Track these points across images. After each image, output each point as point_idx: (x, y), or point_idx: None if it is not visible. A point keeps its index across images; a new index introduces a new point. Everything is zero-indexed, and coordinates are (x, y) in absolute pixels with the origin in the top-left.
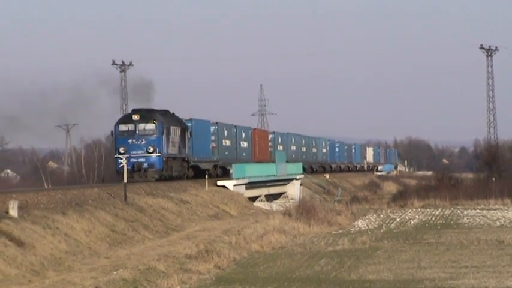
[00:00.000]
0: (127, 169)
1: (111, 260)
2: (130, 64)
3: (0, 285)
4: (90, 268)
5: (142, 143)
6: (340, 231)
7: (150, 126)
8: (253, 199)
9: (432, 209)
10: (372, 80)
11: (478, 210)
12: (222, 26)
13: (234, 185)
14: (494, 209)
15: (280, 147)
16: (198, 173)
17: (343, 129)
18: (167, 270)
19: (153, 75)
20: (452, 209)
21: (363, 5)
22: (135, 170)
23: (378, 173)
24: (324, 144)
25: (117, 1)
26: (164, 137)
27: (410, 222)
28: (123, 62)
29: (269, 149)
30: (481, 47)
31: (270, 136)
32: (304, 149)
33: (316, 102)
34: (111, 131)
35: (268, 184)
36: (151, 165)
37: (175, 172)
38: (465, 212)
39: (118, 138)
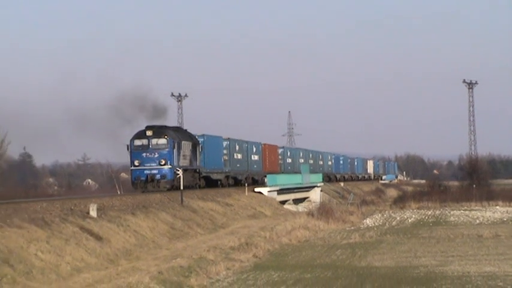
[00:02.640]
0: (141, 180)
1: (171, 251)
2: (186, 96)
3: (83, 271)
4: (154, 257)
5: (155, 156)
6: (352, 227)
7: (162, 141)
8: (283, 202)
9: (425, 210)
10: (379, 108)
11: (461, 211)
12: (257, 60)
13: (268, 191)
14: (475, 210)
15: (289, 160)
16: (210, 183)
17: (355, 145)
18: (215, 259)
19: (200, 101)
20: (441, 210)
21: (363, 44)
22: (149, 181)
23: (382, 181)
24: (329, 157)
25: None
26: (175, 150)
27: (408, 221)
28: (179, 94)
29: (279, 161)
30: (464, 81)
31: (280, 150)
32: (311, 161)
33: (334, 125)
34: (127, 146)
35: (295, 190)
36: (163, 177)
37: (186, 182)
38: (452, 212)
39: (133, 152)
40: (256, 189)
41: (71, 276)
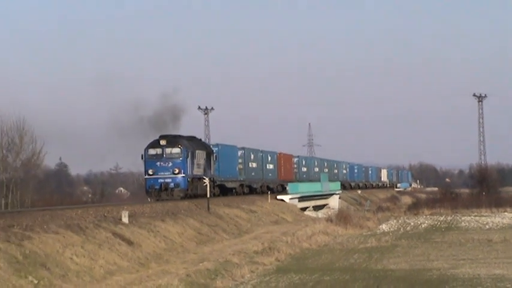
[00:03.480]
0: (155, 188)
1: (198, 255)
2: (212, 109)
3: (116, 274)
4: (182, 261)
5: (169, 165)
6: (369, 232)
7: (176, 150)
8: (303, 209)
9: (438, 216)
10: (395, 121)
11: (472, 217)
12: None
13: (290, 199)
14: (485, 216)
15: (304, 169)
16: (225, 191)
17: (372, 156)
18: (240, 262)
19: (226, 114)
20: (453, 216)
21: (377, 60)
22: (163, 189)
23: (397, 189)
24: (344, 166)
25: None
26: (189, 159)
27: (422, 226)
28: (206, 107)
29: (294, 170)
30: (474, 95)
31: (295, 159)
32: (326, 170)
33: (354, 137)
34: (142, 155)
35: (315, 198)
36: (176, 185)
37: (200, 191)
38: (462, 218)
39: (147, 161)
40: (279, 197)
41: (104, 278)
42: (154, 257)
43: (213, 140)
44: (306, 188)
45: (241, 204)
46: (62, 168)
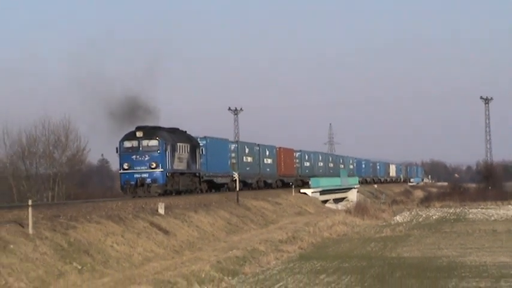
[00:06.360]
0: (130, 184)
1: (228, 243)
2: (241, 110)
3: (152, 260)
4: (213, 249)
5: (146, 159)
6: (384, 223)
7: (153, 142)
8: (324, 202)
9: (447, 208)
10: (409, 122)
11: (479, 209)
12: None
13: (312, 192)
14: (490, 208)
15: (307, 164)
16: (215, 187)
17: (388, 153)
18: (266, 250)
19: (253, 115)
20: (461, 208)
21: (391, 63)
22: (139, 185)
23: (410, 184)
24: (351, 161)
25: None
26: (168, 153)
27: (432, 218)
28: (236, 108)
29: (295, 165)
30: (481, 98)
31: (297, 154)
32: (331, 165)
33: (373, 136)
34: (116, 148)
35: (335, 191)
36: (154, 181)
37: (183, 186)
38: (470, 210)
39: (122, 155)
40: (302, 191)
41: (142, 264)
42: (188, 245)
43: (242, 139)
44: (327, 182)
45: (268, 197)
46: (103, 164)
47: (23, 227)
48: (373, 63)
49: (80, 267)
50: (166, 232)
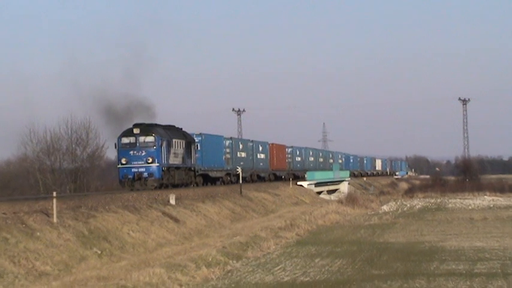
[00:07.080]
0: (128, 178)
1: (232, 230)
2: (244, 110)
3: (165, 246)
4: (219, 235)
5: (142, 154)
6: (372, 212)
7: (150, 138)
8: (319, 193)
9: (429, 199)
10: (394, 120)
11: (457, 200)
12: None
13: (308, 184)
14: (468, 199)
15: (298, 159)
16: (211, 181)
17: (375, 149)
18: (266, 236)
19: (256, 115)
20: (441, 199)
21: (378, 68)
22: (136, 179)
23: (396, 177)
24: (340, 156)
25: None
26: (164, 148)
27: (416, 207)
28: (239, 109)
29: (287, 160)
30: (459, 99)
31: (289, 149)
32: (321, 159)
33: (362, 134)
34: (115, 144)
35: (328, 183)
36: (150, 175)
37: (178, 180)
38: (450, 201)
39: (120, 150)
40: (299, 183)
41: (155, 249)
42: (196, 232)
43: (245, 137)
44: (321, 175)
45: (268, 189)
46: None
47: (48, 216)
48: (364, 70)
49: (99, 252)
50: (177, 220)
